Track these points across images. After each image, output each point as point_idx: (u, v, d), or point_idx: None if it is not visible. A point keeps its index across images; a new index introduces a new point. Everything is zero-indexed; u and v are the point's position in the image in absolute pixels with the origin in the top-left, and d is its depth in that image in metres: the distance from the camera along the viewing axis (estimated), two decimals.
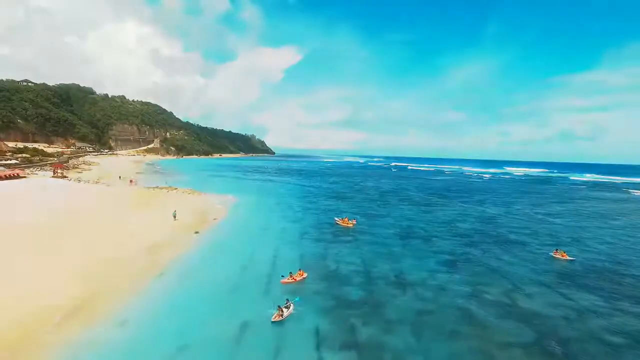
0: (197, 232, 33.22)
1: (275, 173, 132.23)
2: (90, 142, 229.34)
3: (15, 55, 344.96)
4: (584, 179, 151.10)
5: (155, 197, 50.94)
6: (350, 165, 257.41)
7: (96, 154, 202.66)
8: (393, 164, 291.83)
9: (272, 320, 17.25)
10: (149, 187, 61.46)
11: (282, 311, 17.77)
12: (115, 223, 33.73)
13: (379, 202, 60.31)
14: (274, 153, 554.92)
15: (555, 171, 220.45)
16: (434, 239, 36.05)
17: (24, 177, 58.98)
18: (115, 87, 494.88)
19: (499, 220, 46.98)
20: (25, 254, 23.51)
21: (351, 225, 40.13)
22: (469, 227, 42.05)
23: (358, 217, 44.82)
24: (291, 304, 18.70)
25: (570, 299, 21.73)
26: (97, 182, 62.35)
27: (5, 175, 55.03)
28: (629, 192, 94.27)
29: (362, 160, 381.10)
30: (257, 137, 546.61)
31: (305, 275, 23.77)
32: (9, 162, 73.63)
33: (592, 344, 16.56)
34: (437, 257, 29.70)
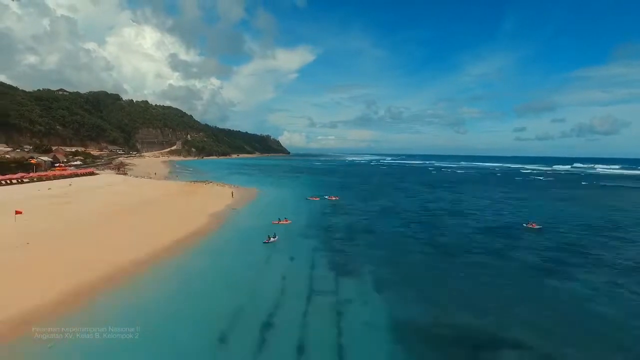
0: (235, 209, 48.55)
1: (287, 170, 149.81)
2: (120, 145, 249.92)
3: (41, 63, 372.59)
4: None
5: (199, 187, 67.03)
6: (351, 163, 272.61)
7: (127, 155, 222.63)
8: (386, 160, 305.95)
9: (264, 242, 31.63)
10: (190, 181, 77.88)
11: (269, 238, 32.11)
12: (182, 203, 49.62)
13: (362, 187, 74.96)
14: (289, 153, 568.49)
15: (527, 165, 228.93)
16: (405, 212, 50.48)
17: (97, 174, 76.39)
18: (134, 91, 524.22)
19: (463, 202, 60.84)
20: (150, 220, 39.49)
21: (335, 199, 58.06)
22: (438, 206, 56.25)
23: (352, 196, 59.90)
24: (277, 237, 32.77)
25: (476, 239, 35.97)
26: (150, 178, 79.24)
27: (83, 173, 72.27)
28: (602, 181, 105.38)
29: (360, 159, 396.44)
30: (272, 137, 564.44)
31: (289, 221, 39.43)
32: (75, 163, 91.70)
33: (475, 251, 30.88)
34: (403, 221, 44.06)
